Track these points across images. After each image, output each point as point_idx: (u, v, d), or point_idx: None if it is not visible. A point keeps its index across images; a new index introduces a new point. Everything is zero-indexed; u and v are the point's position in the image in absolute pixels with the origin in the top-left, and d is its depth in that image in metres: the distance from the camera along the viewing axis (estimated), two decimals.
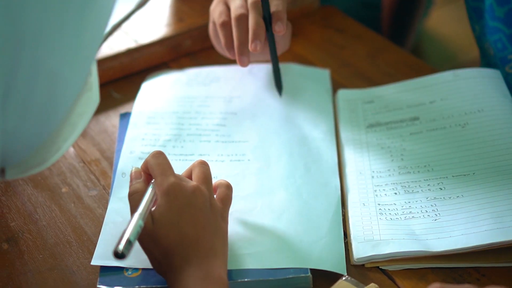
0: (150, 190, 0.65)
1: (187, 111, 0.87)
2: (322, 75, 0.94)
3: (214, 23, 0.85)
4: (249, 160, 0.80)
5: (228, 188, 0.70)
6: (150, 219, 0.63)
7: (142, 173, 0.69)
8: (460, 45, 1.96)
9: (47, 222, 0.75)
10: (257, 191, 0.75)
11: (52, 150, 0.55)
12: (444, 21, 2.02)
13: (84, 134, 0.87)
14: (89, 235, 0.73)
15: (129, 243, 0.59)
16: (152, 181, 0.67)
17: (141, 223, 0.61)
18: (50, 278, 0.68)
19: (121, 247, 0.58)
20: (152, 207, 0.65)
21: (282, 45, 0.87)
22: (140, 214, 0.62)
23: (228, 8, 0.83)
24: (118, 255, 0.58)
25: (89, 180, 0.80)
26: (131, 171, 0.69)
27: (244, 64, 0.82)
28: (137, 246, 0.68)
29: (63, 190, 0.79)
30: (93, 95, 0.57)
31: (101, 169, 0.82)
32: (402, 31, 1.52)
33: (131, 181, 0.69)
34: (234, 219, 0.72)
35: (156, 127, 0.85)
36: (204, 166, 0.69)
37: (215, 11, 0.84)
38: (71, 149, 0.84)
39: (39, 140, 0.49)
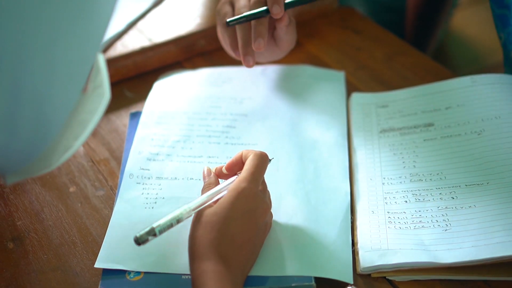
0: (212, 192, 0.66)
1: (198, 111, 0.87)
2: (337, 77, 0.92)
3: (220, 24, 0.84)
4: None
5: (271, 218, 0.71)
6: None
7: (213, 170, 0.71)
8: (486, 48, 1.91)
9: (53, 222, 0.74)
10: None
11: (59, 151, 0.55)
12: (470, 23, 1.98)
13: (94, 133, 0.87)
14: (94, 236, 0.72)
15: (150, 233, 0.61)
16: (232, 179, 0.68)
17: (179, 217, 0.63)
18: (54, 279, 0.68)
19: (141, 232, 0.61)
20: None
21: (287, 42, 0.85)
22: (181, 213, 0.64)
23: (233, 9, 0.82)
24: (136, 240, 0.61)
25: (97, 180, 0.80)
26: (203, 169, 0.72)
27: (249, 65, 0.80)
28: (141, 249, 0.68)
29: (71, 189, 0.78)
30: (104, 92, 0.56)
31: (109, 169, 0.81)
32: (426, 34, 1.49)
33: (204, 178, 0.71)
34: None
35: (166, 127, 0.84)
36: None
37: (220, 12, 0.83)
38: (81, 148, 0.84)
39: (35, 154, 0.49)
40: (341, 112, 0.86)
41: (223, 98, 0.89)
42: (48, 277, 0.68)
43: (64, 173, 0.81)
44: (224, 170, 0.71)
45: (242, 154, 0.70)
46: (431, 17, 1.48)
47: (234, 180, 0.67)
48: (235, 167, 0.70)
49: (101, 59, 0.56)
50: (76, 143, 0.56)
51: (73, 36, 0.43)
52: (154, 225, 0.62)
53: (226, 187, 0.67)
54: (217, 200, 0.65)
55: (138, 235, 0.61)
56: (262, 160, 0.67)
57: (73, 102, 0.46)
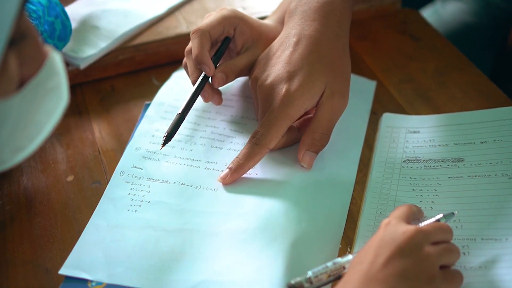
0: None
1: (208, 110, 0.81)
2: (366, 88, 0.83)
3: None
4: (256, 174, 0.73)
5: None
6: None
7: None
8: None
9: (40, 210, 0.72)
10: (255, 210, 0.68)
11: (9, 150, 0.52)
12: None
13: (109, 121, 0.84)
14: (75, 232, 0.69)
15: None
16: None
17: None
18: (21, 273, 0.66)
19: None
20: None
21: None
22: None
23: None
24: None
25: (97, 171, 0.77)
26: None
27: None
28: (109, 258, 0.65)
29: (68, 179, 0.76)
30: (61, 94, 0.54)
31: (113, 161, 0.78)
32: None
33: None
34: (222, 238, 0.66)
35: (170, 123, 0.79)
36: (457, 254, 0.61)
37: None
38: (91, 136, 0.82)
39: None
40: (360, 133, 0.78)
41: (237, 96, 0.83)
42: (17, 271, 0.66)
43: (67, 160, 0.79)
44: None
45: None
46: None
47: None
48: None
49: (58, 60, 0.52)
50: (31, 145, 0.53)
51: None
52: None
53: None
54: None
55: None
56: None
57: None
